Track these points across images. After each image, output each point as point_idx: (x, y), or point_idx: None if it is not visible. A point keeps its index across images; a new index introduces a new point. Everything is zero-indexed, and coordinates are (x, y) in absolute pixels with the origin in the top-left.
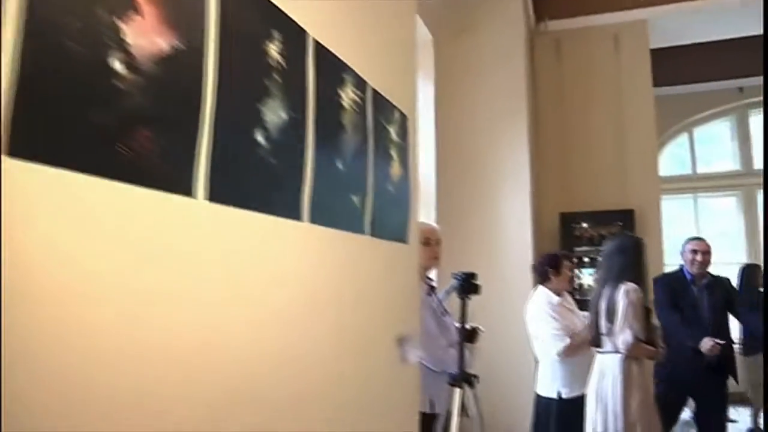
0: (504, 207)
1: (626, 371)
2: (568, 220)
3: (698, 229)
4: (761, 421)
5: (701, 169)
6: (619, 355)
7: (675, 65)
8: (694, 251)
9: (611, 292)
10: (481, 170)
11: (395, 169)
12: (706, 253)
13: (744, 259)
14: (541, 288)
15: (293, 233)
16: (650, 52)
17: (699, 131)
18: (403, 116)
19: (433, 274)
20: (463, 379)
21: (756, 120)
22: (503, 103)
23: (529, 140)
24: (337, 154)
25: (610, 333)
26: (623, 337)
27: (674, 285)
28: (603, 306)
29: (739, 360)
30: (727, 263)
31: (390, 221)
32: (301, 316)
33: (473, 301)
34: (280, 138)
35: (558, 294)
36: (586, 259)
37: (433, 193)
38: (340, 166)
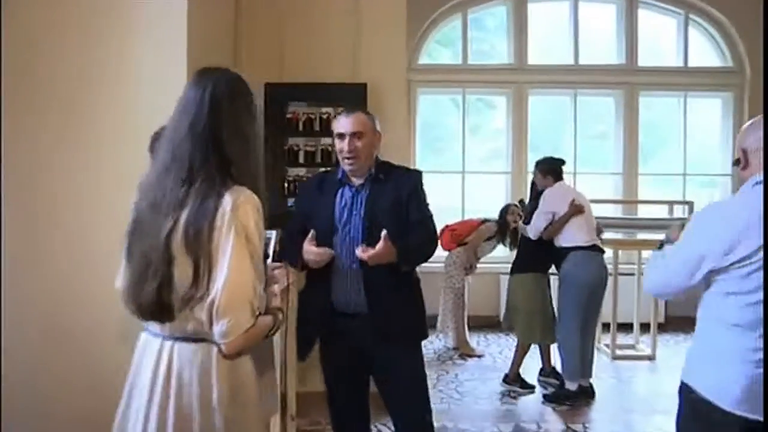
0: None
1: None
2: (278, 96)
3: (464, 128)
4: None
5: (472, 55)
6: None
7: None
8: (339, 135)
9: (195, 208)
10: None
11: None
12: (357, 136)
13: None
14: None
15: None
16: None
17: (474, 15)
18: None
19: None
20: None
21: (535, 7)
22: None
23: None
24: None
25: (189, 302)
26: (234, 316)
27: (314, 187)
28: (177, 242)
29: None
30: (500, 172)
31: None
32: None
33: None
34: None
35: None
36: (301, 158)
37: None
38: None
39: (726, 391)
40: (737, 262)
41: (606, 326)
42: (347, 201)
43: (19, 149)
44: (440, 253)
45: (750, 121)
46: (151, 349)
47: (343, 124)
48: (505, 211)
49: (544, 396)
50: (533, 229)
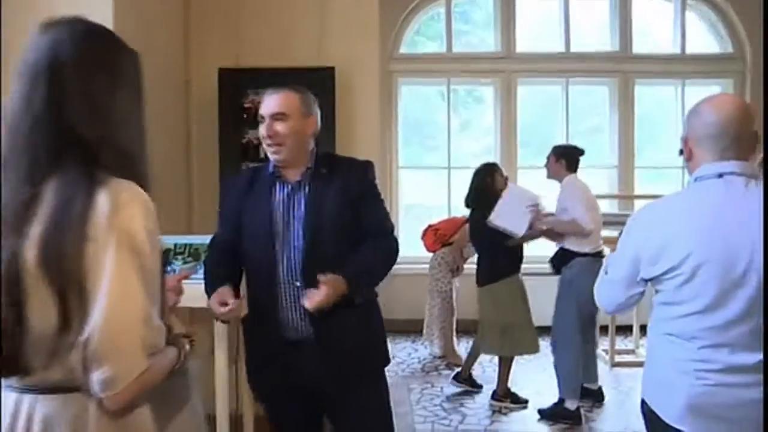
0: None
1: None
2: (234, 84)
3: (450, 120)
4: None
5: (458, 48)
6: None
7: None
8: (261, 117)
9: (53, 216)
10: None
11: None
12: (278, 117)
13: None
14: None
15: None
16: None
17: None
18: None
19: None
20: None
21: None
22: None
23: None
24: None
25: (56, 353)
26: (119, 361)
27: (244, 186)
28: (29, 270)
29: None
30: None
31: None
32: None
33: None
34: None
35: None
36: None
37: None
38: None
39: (668, 404)
40: (665, 273)
41: (603, 329)
42: (284, 202)
43: None
44: (425, 254)
45: (692, 107)
46: (6, 405)
47: (264, 104)
48: None
49: (540, 412)
50: (587, 221)
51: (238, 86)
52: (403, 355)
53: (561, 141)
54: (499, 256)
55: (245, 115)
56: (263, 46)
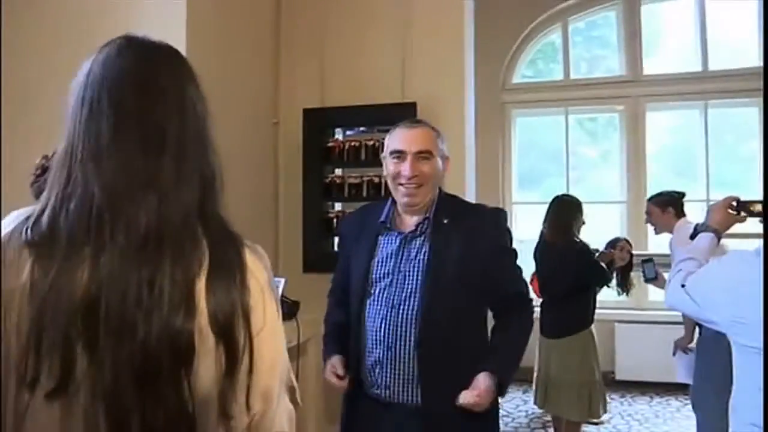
0: None
1: None
2: (318, 123)
3: (569, 151)
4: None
5: (577, 74)
6: None
7: None
8: (397, 153)
9: (216, 276)
10: None
11: None
12: (423, 156)
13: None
14: None
15: None
16: None
17: (576, 23)
18: None
19: None
20: None
21: (649, 9)
22: None
23: None
24: None
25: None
26: None
27: (355, 228)
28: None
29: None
30: (613, 201)
31: None
32: None
33: None
34: None
35: None
36: (345, 192)
37: None
38: None
39: None
40: None
41: None
42: (390, 257)
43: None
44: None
45: None
46: None
47: (403, 138)
48: (611, 247)
49: None
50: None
51: (322, 126)
52: (510, 407)
53: (702, 170)
54: (578, 303)
55: (328, 155)
56: (347, 85)
